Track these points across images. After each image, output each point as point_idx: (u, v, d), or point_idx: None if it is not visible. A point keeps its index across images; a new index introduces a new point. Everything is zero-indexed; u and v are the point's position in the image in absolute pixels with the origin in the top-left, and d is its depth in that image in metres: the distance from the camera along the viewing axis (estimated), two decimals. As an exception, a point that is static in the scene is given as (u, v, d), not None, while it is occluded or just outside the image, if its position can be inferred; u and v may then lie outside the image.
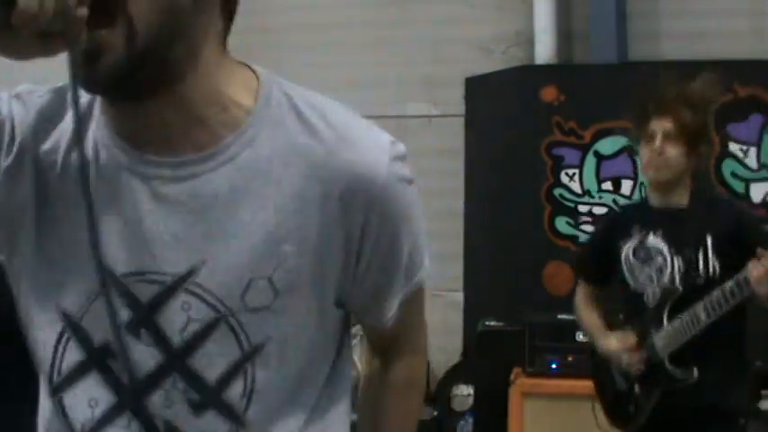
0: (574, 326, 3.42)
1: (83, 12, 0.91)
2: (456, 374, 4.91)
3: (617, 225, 3.11)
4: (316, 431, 1.16)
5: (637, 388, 2.97)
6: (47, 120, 1.08)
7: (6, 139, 1.06)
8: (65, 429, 1.10)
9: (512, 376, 4.03)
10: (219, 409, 1.08)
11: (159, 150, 1.06)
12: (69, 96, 1.04)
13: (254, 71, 1.13)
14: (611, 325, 3.10)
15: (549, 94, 4.88)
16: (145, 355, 1.06)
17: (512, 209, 4.94)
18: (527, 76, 5.04)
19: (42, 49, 0.93)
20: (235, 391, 1.08)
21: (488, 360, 4.33)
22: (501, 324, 4.39)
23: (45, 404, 1.14)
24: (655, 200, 2.96)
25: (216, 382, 1.07)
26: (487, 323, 4.42)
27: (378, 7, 5.78)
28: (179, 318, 1.05)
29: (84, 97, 1.07)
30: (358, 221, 1.09)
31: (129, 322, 1.06)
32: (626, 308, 3.07)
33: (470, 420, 4.55)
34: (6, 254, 1.12)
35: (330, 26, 5.86)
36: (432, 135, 5.66)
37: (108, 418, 1.07)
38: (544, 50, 5.07)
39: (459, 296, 5.10)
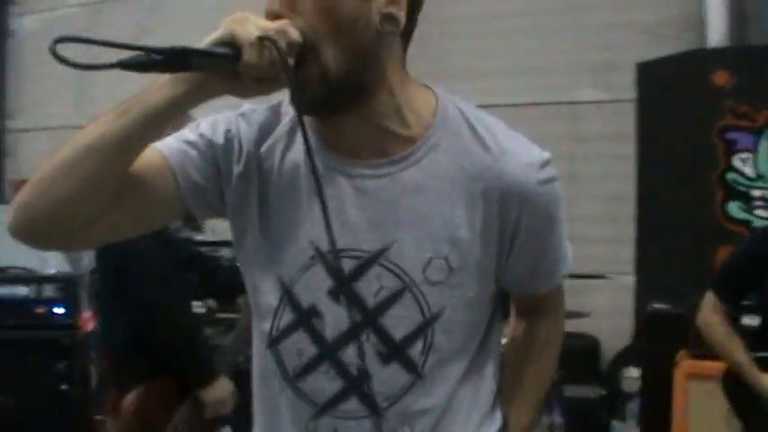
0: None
1: (290, 61, 1.20)
2: (626, 356, 4.98)
3: (764, 256, 3.05)
4: (473, 381, 1.41)
5: None
6: (265, 131, 1.37)
7: (236, 151, 1.35)
8: (280, 371, 1.38)
9: (677, 358, 4.07)
10: (403, 361, 1.33)
11: (357, 155, 1.32)
12: (283, 109, 1.36)
13: (433, 91, 1.38)
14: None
15: (721, 77, 4.83)
16: (343, 316, 1.33)
17: (683, 193, 4.93)
18: (698, 59, 5.00)
19: (259, 90, 1.24)
20: (416, 348, 1.33)
21: (655, 342, 4.37)
22: (668, 307, 4.41)
23: (260, 352, 1.43)
24: None
25: (401, 339, 1.33)
26: (655, 306, 4.46)
27: (549, -4, 5.88)
28: (373, 285, 1.32)
29: (292, 114, 1.36)
30: (512, 218, 1.33)
31: (331, 289, 1.33)
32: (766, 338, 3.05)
33: (639, 401, 4.61)
34: (238, 241, 1.40)
35: (502, 15, 6.00)
36: (603, 120, 5.72)
37: (312, 365, 1.35)
38: (716, 33, 5.01)
39: (630, 279, 5.14)
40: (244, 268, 1.43)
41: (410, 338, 1.33)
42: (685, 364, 4.01)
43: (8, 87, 8.27)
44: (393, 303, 1.32)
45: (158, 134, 1.28)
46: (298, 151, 1.34)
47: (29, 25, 8.23)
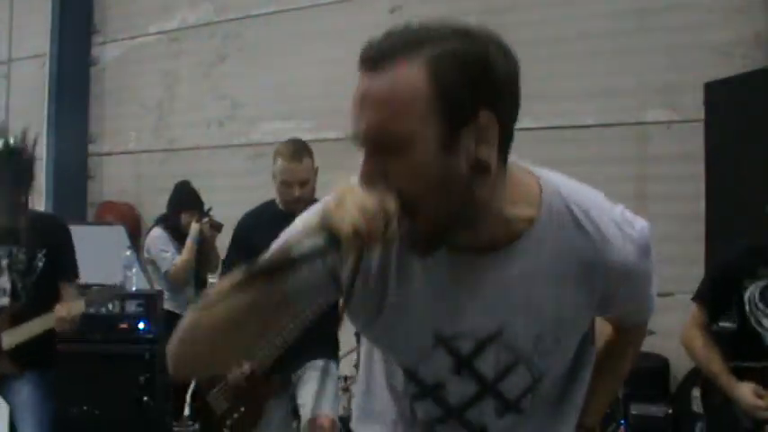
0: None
1: (390, 228, 1.25)
2: (696, 377, 4.95)
3: (744, 262, 3.21)
4: (563, 404, 1.60)
5: None
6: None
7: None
8: (412, 417, 1.57)
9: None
10: (516, 412, 1.52)
11: (469, 250, 1.40)
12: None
13: (536, 180, 1.42)
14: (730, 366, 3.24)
15: (789, 96, 4.82)
16: (465, 387, 1.50)
17: (753, 212, 4.91)
18: (766, 78, 5.00)
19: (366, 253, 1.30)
20: (526, 400, 1.52)
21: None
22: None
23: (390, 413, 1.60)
24: None
25: (515, 397, 1.51)
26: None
27: (616, 18, 5.91)
28: (491, 361, 1.47)
29: None
30: (612, 286, 1.45)
31: (453, 366, 1.48)
32: (741, 345, 3.23)
33: (705, 421, 4.59)
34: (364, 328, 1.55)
35: (570, 38, 6.06)
36: (671, 140, 5.73)
37: (440, 420, 1.54)
38: (785, 52, 5.00)
39: (700, 299, 5.12)
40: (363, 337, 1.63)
41: (522, 396, 1.52)
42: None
43: (91, 113, 8.59)
44: (509, 374, 1.48)
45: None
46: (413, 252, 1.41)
47: (110, 53, 8.56)
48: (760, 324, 3.15)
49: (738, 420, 3.21)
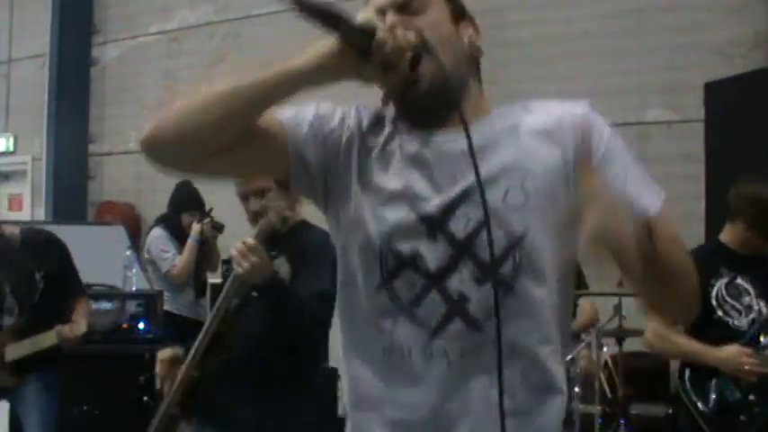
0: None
1: (409, 54, 1.49)
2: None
3: (707, 263, 3.37)
4: (557, 294, 1.59)
5: (752, 397, 3.30)
6: (371, 121, 1.66)
7: (346, 126, 1.64)
8: (395, 305, 1.58)
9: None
10: (501, 283, 1.52)
11: (433, 128, 1.60)
12: (386, 114, 1.66)
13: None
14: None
15: (789, 96, 4.81)
16: (441, 251, 1.55)
17: (753, 212, 4.91)
18: (766, 78, 4.99)
19: (380, 76, 1.49)
20: (506, 268, 1.53)
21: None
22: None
23: (363, 302, 1.62)
24: (744, 249, 3.45)
25: (492, 262, 1.51)
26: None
27: (615, 18, 5.92)
28: (461, 220, 1.54)
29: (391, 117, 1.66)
30: (579, 139, 1.57)
31: (427, 231, 1.55)
32: (708, 334, 3.38)
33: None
34: (337, 204, 1.64)
35: (570, 38, 6.07)
36: (671, 141, 5.73)
37: (422, 294, 1.56)
38: (785, 52, 5.01)
39: (700, 299, 5.12)
40: (342, 227, 1.65)
41: (500, 259, 1.52)
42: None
43: (91, 113, 8.60)
44: (481, 231, 1.52)
45: (290, 93, 1.52)
46: (396, 141, 1.63)
47: (110, 53, 8.57)
48: (727, 314, 3.38)
49: (722, 395, 3.35)
